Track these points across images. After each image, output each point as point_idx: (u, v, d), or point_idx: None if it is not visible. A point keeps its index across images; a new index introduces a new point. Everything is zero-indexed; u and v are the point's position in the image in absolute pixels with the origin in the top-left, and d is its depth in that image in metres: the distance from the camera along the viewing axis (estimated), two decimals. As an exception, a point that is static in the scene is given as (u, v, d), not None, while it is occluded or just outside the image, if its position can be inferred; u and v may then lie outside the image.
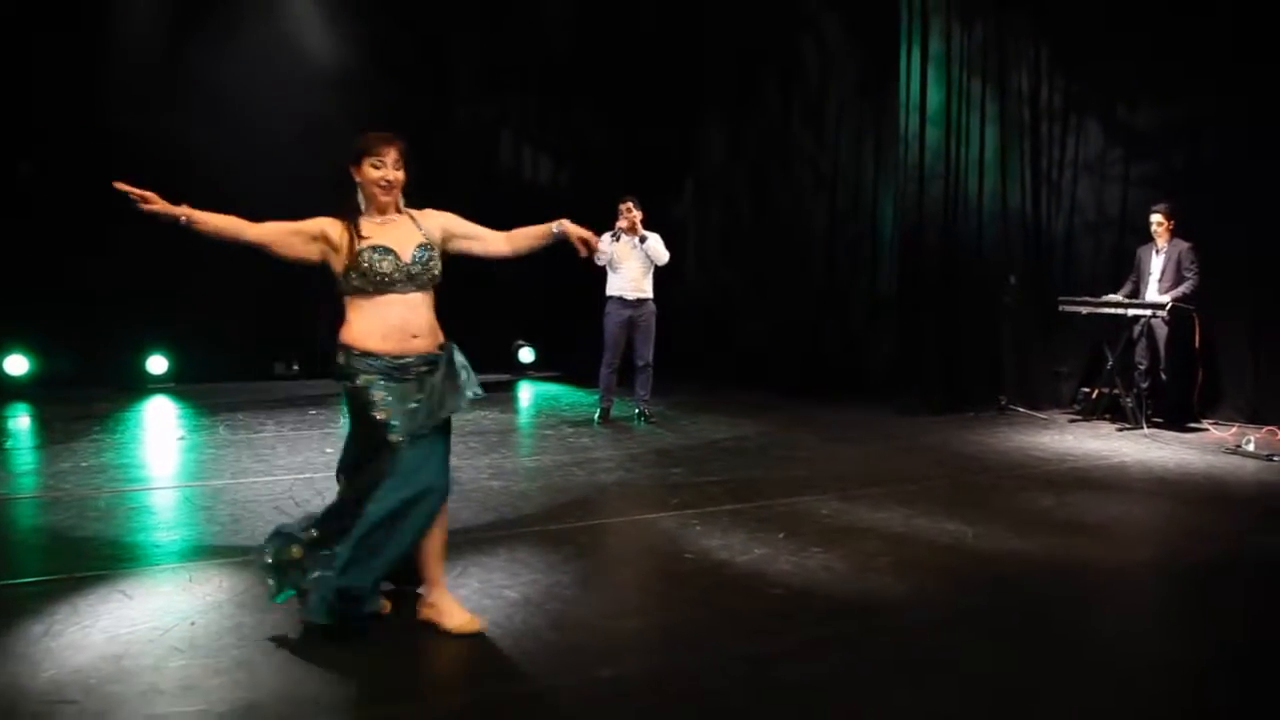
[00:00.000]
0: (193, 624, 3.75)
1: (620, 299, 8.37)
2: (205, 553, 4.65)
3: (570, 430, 8.17)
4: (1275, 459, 7.47)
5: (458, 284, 12.34)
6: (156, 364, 9.90)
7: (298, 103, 10.03)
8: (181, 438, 7.42)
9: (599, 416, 8.54)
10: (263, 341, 10.43)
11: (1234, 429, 8.60)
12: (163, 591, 4.11)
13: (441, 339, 3.84)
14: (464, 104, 11.47)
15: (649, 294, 8.42)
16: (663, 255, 8.34)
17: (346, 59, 10.44)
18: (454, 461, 6.61)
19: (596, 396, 8.69)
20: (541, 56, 11.84)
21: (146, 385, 9.77)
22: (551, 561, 4.62)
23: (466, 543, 4.87)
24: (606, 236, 8.20)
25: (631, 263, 8.33)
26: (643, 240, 8.30)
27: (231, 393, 9.48)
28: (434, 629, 3.74)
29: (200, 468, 6.49)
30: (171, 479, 6.25)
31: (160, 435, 7.59)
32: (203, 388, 9.66)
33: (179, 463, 6.73)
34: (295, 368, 10.67)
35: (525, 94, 11.88)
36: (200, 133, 9.46)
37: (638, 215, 8.33)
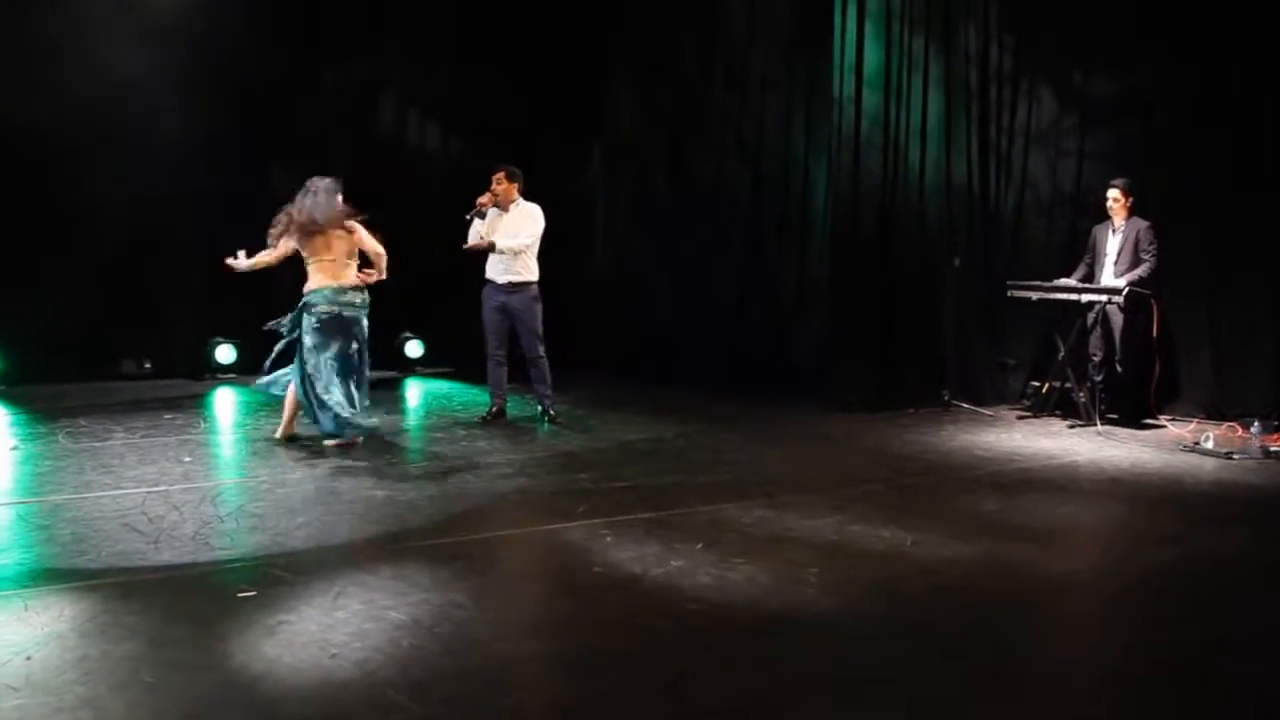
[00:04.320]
0: (29, 658, 3.73)
1: (492, 283, 8.39)
2: (43, 577, 4.61)
3: (464, 432, 8.20)
4: (1235, 457, 7.81)
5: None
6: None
7: (146, 57, 9.86)
8: (14, 448, 7.27)
9: (486, 414, 8.57)
10: (108, 337, 10.21)
11: (1193, 425, 8.91)
12: (-8, 622, 4.09)
13: None
14: (337, 61, 11.33)
15: (524, 276, 8.33)
16: (515, 245, 8.25)
17: (201, 7, 10.28)
18: (332, 469, 6.68)
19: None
20: (425, 7, 11.78)
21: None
22: (442, 579, 4.69)
23: (345, 560, 4.92)
24: (473, 217, 8.29)
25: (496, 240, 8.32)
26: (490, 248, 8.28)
27: (72, 395, 9.24)
28: (316, 659, 3.82)
29: (37, 481, 6.40)
30: (2, 495, 6.14)
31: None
32: (38, 390, 9.39)
33: (11, 476, 6.62)
34: (146, 366, 10.47)
35: (409, 51, 11.79)
36: (36, 92, 9.30)
37: (506, 187, 8.29)
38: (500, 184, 8.31)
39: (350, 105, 11.43)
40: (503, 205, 8.32)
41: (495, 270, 8.36)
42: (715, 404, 9.78)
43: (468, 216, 8.34)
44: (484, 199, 8.30)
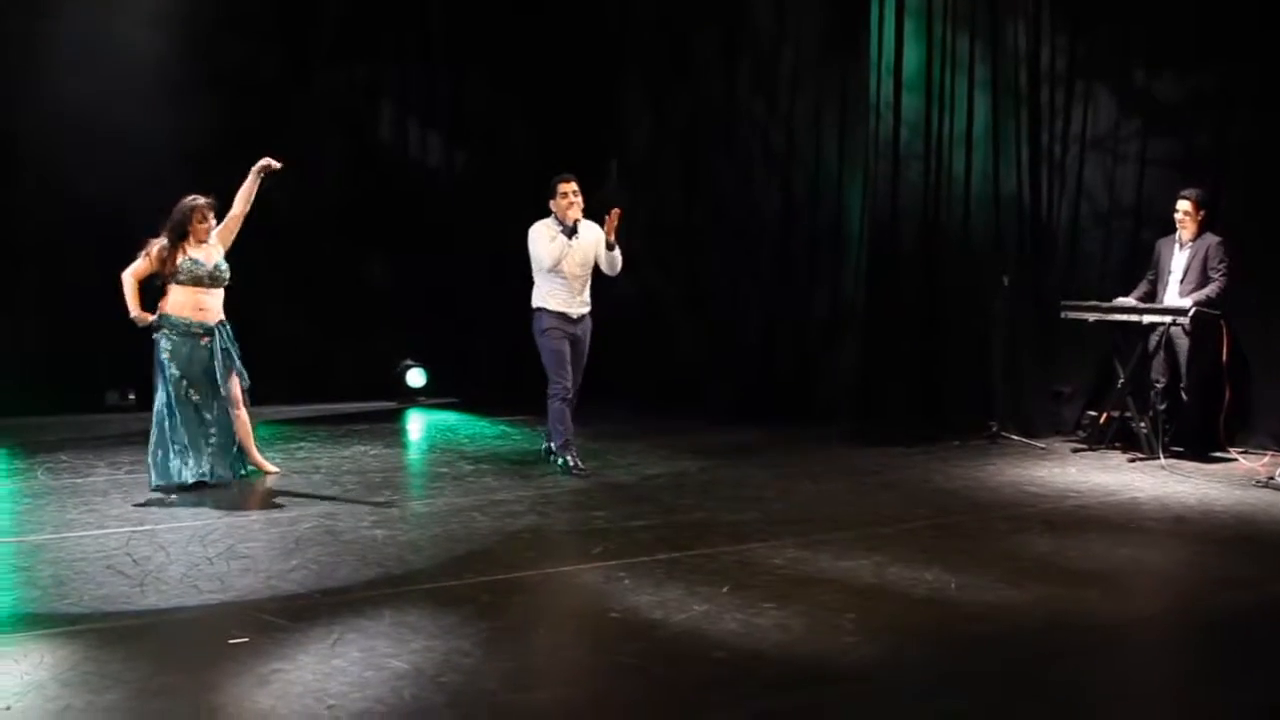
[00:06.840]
0: (8, 709, 3.83)
1: (564, 315, 7.95)
2: (22, 622, 4.73)
3: (470, 468, 8.29)
4: (1314, 493, 7.83)
5: (328, 291, 12.22)
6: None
7: (125, 63, 10.05)
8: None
9: (564, 460, 8.07)
10: (90, 367, 10.33)
11: (1266, 458, 8.86)
12: (-32, 671, 4.19)
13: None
14: (327, 66, 11.47)
15: (590, 305, 8.14)
16: (619, 264, 8.09)
17: (181, 7, 10.47)
18: (328, 507, 6.77)
19: (502, 428, 8.70)
20: (424, 14, 11.92)
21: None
22: (448, 625, 4.77)
23: (343, 604, 5.01)
24: (557, 234, 7.89)
25: (576, 267, 7.97)
26: (610, 247, 7.97)
27: (52, 429, 9.39)
28: (312, 710, 3.90)
29: (15, 521, 6.52)
30: (-24, 535, 6.28)
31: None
32: (15, 423, 9.50)
33: (-14, 515, 6.76)
34: (131, 397, 10.57)
35: (409, 60, 11.93)
36: (10, 102, 9.52)
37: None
38: (579, 195, 7.97)
39: (349, 116, 11.57)
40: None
41: (568, 301, 7.97)
42: (741, 435, 9.82)
43: (569, 238, 7.90)
44: (577, 213, 7.94)
